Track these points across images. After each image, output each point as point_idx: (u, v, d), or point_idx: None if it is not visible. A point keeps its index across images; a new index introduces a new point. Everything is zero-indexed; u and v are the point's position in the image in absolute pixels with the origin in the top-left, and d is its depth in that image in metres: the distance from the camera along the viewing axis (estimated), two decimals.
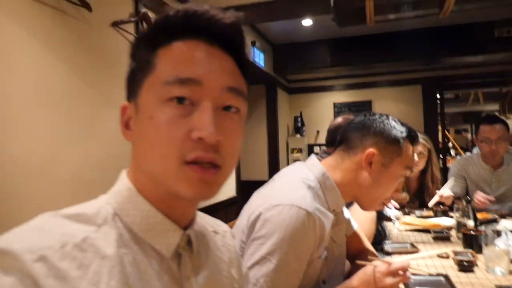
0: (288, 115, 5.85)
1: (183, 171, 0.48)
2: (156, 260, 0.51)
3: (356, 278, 0.97)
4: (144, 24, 2.17)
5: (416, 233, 1.88)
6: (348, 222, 1.29)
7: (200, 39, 0.52)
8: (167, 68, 0.50)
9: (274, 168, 5.23)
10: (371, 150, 1.05)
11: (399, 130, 1.08)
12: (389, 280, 0.93)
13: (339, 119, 2.08)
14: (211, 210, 3.22)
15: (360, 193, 1.09)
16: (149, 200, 0.52)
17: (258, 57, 4.31)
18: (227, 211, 3.64)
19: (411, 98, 5.49)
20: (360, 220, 1.43)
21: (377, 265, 0.97)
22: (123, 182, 0.54)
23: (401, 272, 0.95)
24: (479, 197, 2.20)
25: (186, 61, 0.50)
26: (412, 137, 1.09)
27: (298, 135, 5.78)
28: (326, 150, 2.08)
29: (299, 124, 5.76)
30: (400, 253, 1.56)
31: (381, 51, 4.68)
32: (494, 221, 2.00)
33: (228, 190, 3.78)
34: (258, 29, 4.39)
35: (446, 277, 1.22)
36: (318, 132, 5.82)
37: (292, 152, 5.77)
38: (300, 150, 5.79)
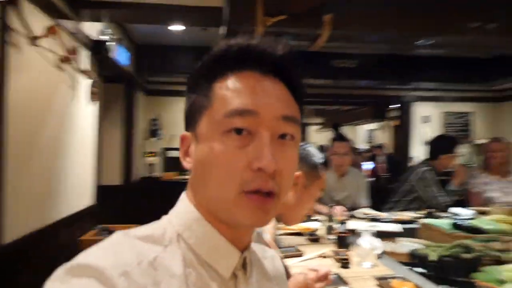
0: (145, 117, 5.67)
1: (242, 201, 0.51)
2: (216, 281, 0.53)
3: (291, 287, 1.10)
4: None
5: (289, 237, 2.16)
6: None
7: (254, 70, 0.54)
8: (225, 100, 0.53)
9: (127, 172, 4.99)
10: (298, 173, 1.21)
11: (318, 157, 1.28)
12: (319, 285, 1.10)
13: None
14: (66, 224, 2.88)
15: (284, 211, 1.24)
16: (211, 223, 0.55)
17: (123, 56, 4.08)
18: (83, 223, 3.30)
19: None
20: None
21: (307, 273, 1.13)
22: (185, 204, 0.57)
23: (326, 276, 1.13)
24: (336, 210, 2.66)
25: (242, 93, 0.53)
26: (326, 164, 1.31)
27: (153, 139, 5.66)
28: None
29: (156, 127, 5.65)
30: (287, 256, 1.77)
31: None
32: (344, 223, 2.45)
33: (83, 198, 3.42)
34: (124, 27, 4.16)
35: (337, 274, 1.48)
36: (173, 136, 5.82)
37: (145, 155, 5.61)
38: (155, 154, 5.68)
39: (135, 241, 0.51)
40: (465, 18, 2.49)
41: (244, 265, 0.58)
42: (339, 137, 2.94)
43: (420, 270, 1.58)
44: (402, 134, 6.71)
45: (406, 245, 1.93)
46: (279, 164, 0.51)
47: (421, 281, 1.42)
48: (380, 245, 1.73)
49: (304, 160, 1.24)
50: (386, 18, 2.54)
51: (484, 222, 2.09)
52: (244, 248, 0.58)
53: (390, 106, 7.34)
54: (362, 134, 11.66)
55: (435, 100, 6.58)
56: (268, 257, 0.69)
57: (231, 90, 0.53)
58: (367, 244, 1.71)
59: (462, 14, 2.50)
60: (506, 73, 5.34)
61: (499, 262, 1.45)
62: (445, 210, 2.76)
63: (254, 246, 0.65)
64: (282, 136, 0.54)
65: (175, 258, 0.51)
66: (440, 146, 3.08)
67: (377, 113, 7.89)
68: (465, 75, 5.44)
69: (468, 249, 1.47)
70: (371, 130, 10.93)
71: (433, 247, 1.59)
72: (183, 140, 0.58)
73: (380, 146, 8.00)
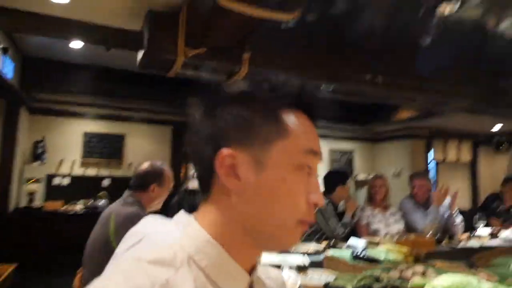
0: (28, 138, 5.01)
1: (297, 230, 0.57)
2: None
3: None
4: None
5: None
6: None
7: (305, 112, 0.60)
8: (303, 138, 0.58)
9: (3, 201, 4.30)
10: None
11: None
12: None
13: (146, 164, 2.10)
14: None
15: None
16: (224, 247, 0.56)
17: (8, 67, 3.60)
18: None
19: (161, 137, 5.89)
20: None
21: None
22: (195, 227, 0.58)
23: None
24: None
25: (312, 134, 0.60)
26: None
27: (37, 163, 5.01)
28: (132, 194, 2.02)
29: (40, 150, 5.03)
30: None
31: (141, 88, 4.81)
32: None
33: None
34: (11, 35, 3.68)
35: None
36: (62, 161, 5.24)
37: (27, 182, 4.91)
38: (37, 180, 5.01)
39: (146, 265, 0.51)
40: (363, 70, 2.86)
41: (251, 287, 0.60)
42: None
43: None
44: None
45: (317, 277, 2.04)
46: None
47: None
48: (298, 278, 1.79)
49: None
50: (297, 62, 2.77)
51: (378, 252, 2.33)
52: (251, 270, 0.60)
53: None
54: None
55: (322, 138, 7.24)
56: (272, 277, 0.70)
57: (304, 128, 0.59)
58: (286, 277, 1.76)
59: (361, 67, 2.87)
60: (382, 117, 6.23)
61: None
62: (343, 241, 3.01)
63: (259, 267, 0.67)
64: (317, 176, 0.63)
65: (187, 280, 0.52)
66: (335, 179, 3.38)
67: None
68: (348, 117, 6.17)
69: (377, 279, 1.62)
70: None
71: (347, 279, 1.71)
72: (229, 156, 0.56)
73: None
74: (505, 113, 4.10)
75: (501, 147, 7.51)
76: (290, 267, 1.74)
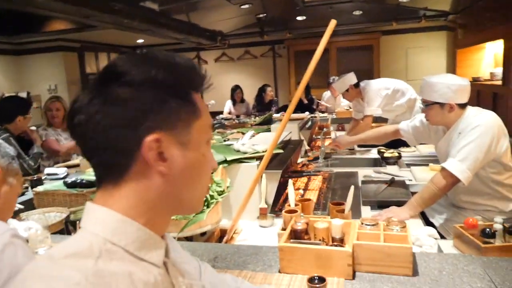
0: None
1: (207, 193, 0.68)
2: (153, 272, 0.59)
3: None
4: None
5: None
6: None
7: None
8: (207, 114, 0.65)
9: None
10: None
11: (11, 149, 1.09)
12: None
13: None
14: None
15: None
16: (140, 222, 0.59)
17: None
18: None
19: None
20: None
21: None
22: (101, 210, 0.57)
23: None
24: None
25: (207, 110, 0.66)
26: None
27: None
28: None
29: None
30: None
31: None
32: None
33: None
34: None
35: None
36: None
37: None
38: None
39: (66, 261, 0.51)
40: None
41: (166, 252, 0.66)
42: None
43: None
44: None
45: (51, 215, 1.93)
46: None
47: None
48: (39, 225, 1.65)
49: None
50: None
51: (90, 175, 2.40)
52: (163, 237, 0.66)
53: None
54: None
55: None
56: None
57: (204, 106, 0.64)
58: (27, 231, 1.59)
59: None
60: (29, 28, 5.49)
61: None
62: (35, 173, 2.79)
63: None
64: None
65: (114, 263, 0.53)
66: (16, 107, 2.94)
67: None
68: None
69: None
70: None
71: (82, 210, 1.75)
72: (158, 141, 0.57)
73: None
74: (156, 32, 4.68)
75: None
76: (26, 219, 1.57)
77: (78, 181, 2.28)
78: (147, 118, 0.56)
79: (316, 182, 2.72)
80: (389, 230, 1.21)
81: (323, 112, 5.77)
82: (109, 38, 7.07)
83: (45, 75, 6.71)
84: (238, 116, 5.91)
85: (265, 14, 4.64)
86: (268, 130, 3.72)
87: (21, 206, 2.11)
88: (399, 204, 2.03)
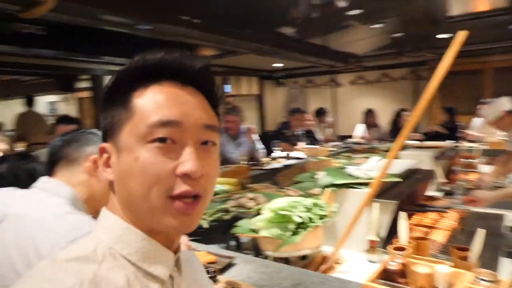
0: None
1: (168, 206, 0.54)
2: (156, 285, 0.55)
3: None
4: None
5: None
6: None
7: (173, 81, 0.58)
8: (149, 111, 0.56)
9: None
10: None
11: None
12: None
13: None
14: None
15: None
16: (142, 230, 0.57)
17: None
18: None
19: None
20: None
21: None
22: (110, 218, 0.58)
23: None
24: None
25: (165, 104, 0.56)
26: None
27: None
28: None
29: None
30: None
31: None
32: None
33: None
34: None
35: None
36: None
37: None
38: None
39: (67, 264, 0.50)
40: (177, 12, 2.82)
41: (177, 265, 0.62)
42: (64, 120, 2.69)
43: (193, 237, 1.82)
44: (95, 106, 6.63)
45: None
46: (204, 168, 0.56)
47: (204, 247, 1.66)
48: None
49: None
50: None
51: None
52: (176, 249, 0.61)
53: (77, 79, 7.05)
54: (42, 106, 10.53)
55: None
56: (187, 254, 0.73)
57: (155, 101, 0.56)
58: None
59: (175, 8, 2.82)
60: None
61: (239, 218, 1.88)
62: None
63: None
64: (205, 143, 0.59)
65: (114, 271, 0.52)
66: None
67: (64, 85, 7.39)
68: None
69: (226, 211, 1.83)
70: (52, 102, 10.08)
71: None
72: (102, 151, 0.59)
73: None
74: (289, 56, 4.84)
75: (280, 82, 8.92)
76: None
77: None
78: (104, 128, 0.61)
79: (448, 221, 2.34)
80: None
81: (471, 142, 5.01)
82: (249, 63, 7.62)
83: None
84: (369, 141, 5.60)
85: (401, 34, 4.33)
86: (396, 156, 3.40)
87: None
88: None
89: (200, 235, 1.80)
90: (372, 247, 1.83)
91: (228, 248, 1.87)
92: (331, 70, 7.75)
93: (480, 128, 5.19)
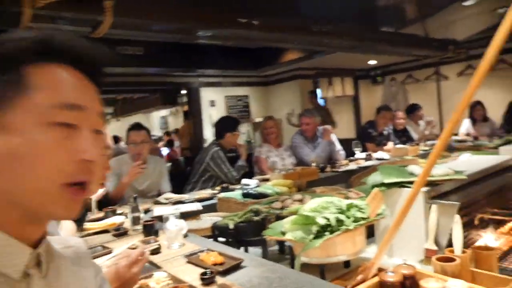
0: None
1: (63, 193, 0.51)
2: (4, 285, 0.49)
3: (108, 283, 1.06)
4: None
5: (95, 236, 2.04)
6: None
7: (76, 66, 0.56)
8: (52, 91, 0.52)
9: None
10: None
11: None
12: (135, 269, 1.09)
13: None
14: None
15: None
16: None
17: None
18: None
19: None
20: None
21: (117, 263, 1.10)
22: None
23: (140, 257, 1.13)
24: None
25: (71, 86, 0.54)
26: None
27: None
28: None
29: None
30: (96, 256, 1.68)
31: None
32: (149, 211, 2.48)
33: None
34: None
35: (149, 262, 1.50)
36: None
37: None
38: None
39: None
40: (235, 14, 2.84)
41: (39, 262, 0.55)
42: (135, 126, 2.92)
43: (222, 239, 1.78)
44: (193, 119, 7.11)
45: (208, 220, 2.12)
46: (100, 157, 0.55)
47: (224, 248, 1.61)
48: (185, 225, 1.84)
49: None
50: (168, 9, 2.63)
51: (266, 188, 2.50)
52: (36, 243, 0.55)
53: (179, 93, 7.69)
54: (155, 121, 11.77)
55: (218, 86, 7.25)
56: (72, 245, 0.68)
57: (58, 81, 0.53)
58: (173, 227, 1.79)
59: (233, 11, 2.85)
60: (270, 61, 6.40)
61: (280, 218, 1.78)
62: (237, 183, 3.15)
63: (53, 239, 0.63)
64: (98, 131, 0.57)
65: None
66: (225, 126, 3.46)
67: (167, 100, 8.15)
68: (239, 63, 6.23)
69: (257, 213, 1.75)
70: (164, 116, 11.16)
71: (231, 217, 1.81)
72: None
73: (176, 132, 8.26)
74: (377, 50, 4.49)
75: (377, 80, 8.35)
76: (176, 216, 1.76)
77: (251, 192, 2.41)
78: None
79: None
80: None
81: None
82: (341, 63, 7.32)
83: (285, 101, 7.60)
84: (476, 138, 4.85)
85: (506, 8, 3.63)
86: (496, 153, 2.85)
87: (200, 208, 2.41)
88: None
89: (231, 236, 1.74)
90: (428, 257, 1.54)
91: (266, 252, 1.77)
92: (433, 63, 6.97)
93: None
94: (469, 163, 2.08)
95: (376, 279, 0.88)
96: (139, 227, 2.01)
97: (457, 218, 1.34)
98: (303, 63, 6.55)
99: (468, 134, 5.19)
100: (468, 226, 1.69)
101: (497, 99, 5.59)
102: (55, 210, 0.52)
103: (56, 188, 0.51)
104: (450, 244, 1.61)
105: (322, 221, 1.41)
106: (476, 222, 1.83)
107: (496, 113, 5.31)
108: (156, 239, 1.77)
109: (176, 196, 2.84)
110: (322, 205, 1.54)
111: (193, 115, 7.07)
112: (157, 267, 1.45)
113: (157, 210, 2.41)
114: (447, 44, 4.76)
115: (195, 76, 6.76)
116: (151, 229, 1.88)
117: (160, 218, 2.05)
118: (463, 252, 1.28)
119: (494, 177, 1.99)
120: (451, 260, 1.20)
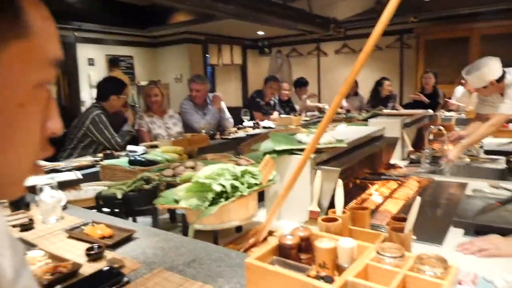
0: None
1: (31, 171, 0.42)
2: None
3: None
4: None
5: None
6: None
7: None
8: (49, 41, 0.40)
9: None
10: None
11: None
12: None
13: None
14: None
15: None
16: None
17: None
18: None
19: None
20: None
21: None
22: None
23: None
24: None
25: (57, 39, 0.41)
26: None
27: None
28: None
29: None
30: None
31: None
32: None
33: None
34: None
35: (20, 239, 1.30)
36: None
37: None
38: None
39: None
40: None
41: None
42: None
43: (108, 210, 1.64)
44: (69, 77, 6.34)
45: (90, 190, 1.94)
46: None
47: (111, 219, 1.49)
48: (63, 196, 1.64)
49: None
50: None
51: (155, 155, 2.38)
52: None
53: None
54: None
55: (98, 42, 6.55)
56: None
57: (52, 28, 0.41)
58: (49, 198, 1.59)
59: None
60: (158, 21, 6.01)
61: (173, 185, 1.72)
62: (121, 150, 2.93)
63: None
64: None
65: None
66: (110, 87, 3.15)
67: None
68: (125, 19, 5.71)
69: (148, 181, 1.65)
70: None
71: (118, 186, 1.68)
72: None
73: None
74: (266, 20, 4.56)
75: (264, 51, 8.59)
76: (52, 186, 1.56)
77: (139, 159, 2.27)
78: None
79: (407, 191, 2.19)
80: (419, 271, 0.75)
81: (450, 111, 4.84)
82: (231, 31, 7.30)
83: (173, 65, 7.30)
84: (348, 111, 5.41)
85: None
86: (365, 124, 3.22)
87: (80, 176, 2.19)
88: (507, 233, 1.44)
89: (119, 207, 1.63)
90: (312, 218, 1.67)
91: (157, 221, 1.70)
92: (315, 39, 7.45)
93: (462, 97, 5.00)
94: (346, 133, 2.29)
95: (275, 242, 0.91)
96: (4, 200, 1.73)
97: (340, 182, 1.47)
98: (193, 27, 6.33)
99: (341, 107, 5.75)
100: (345, 189, 1.88)
101: (367, 77, 6.30)
102: (16, 190, 0.44)
103: (29, 168, 0.42)
104: (330, 206, 1.78)
105: (218, 188, 1.40)
106: (350, 185, 2.05)
107: (364, 90, 5.99)
108: (27, 213, 1.54)
109: (50, 164, 2.52)
110: (217, 172, 1.53)
111: (68, 74, 6.31)
112: (31, 245, 1.26)
113: (28, 181, 2.11)
114: (329, 22, 5.10)
115: (69, 29, 5.97)
116: (20, 202, 1.64)
117: (32, 189, 1.80)
118: (343, 212, 1.42)
119: (365, 145, 2.24)
120: (334, 220, 1.31)
